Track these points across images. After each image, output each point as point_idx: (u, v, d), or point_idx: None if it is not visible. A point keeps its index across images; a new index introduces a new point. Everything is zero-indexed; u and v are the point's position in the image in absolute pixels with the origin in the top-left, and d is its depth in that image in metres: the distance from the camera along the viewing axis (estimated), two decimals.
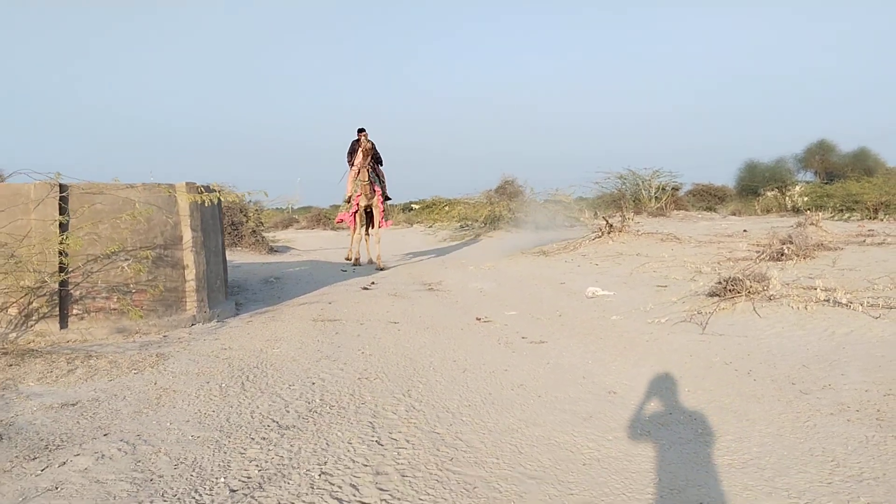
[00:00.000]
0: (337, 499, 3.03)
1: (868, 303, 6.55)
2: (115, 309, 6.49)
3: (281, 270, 12.79)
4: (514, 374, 5.29)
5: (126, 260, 6.52)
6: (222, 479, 3.21)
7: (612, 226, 14.65)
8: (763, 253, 9.97)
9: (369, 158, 13.21)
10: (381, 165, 13.95)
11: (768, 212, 26.78)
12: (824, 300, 6.78)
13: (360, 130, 13.34)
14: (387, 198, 14.23)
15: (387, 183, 14.18)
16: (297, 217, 40.01)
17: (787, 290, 7.24)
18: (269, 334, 6.75)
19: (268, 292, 10.02)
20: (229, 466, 3.38)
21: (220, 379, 5.03)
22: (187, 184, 7.10)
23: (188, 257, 7.08)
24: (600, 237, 14.35)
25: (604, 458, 3.58)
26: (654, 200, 28.62)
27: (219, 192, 7.71)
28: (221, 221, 8.79)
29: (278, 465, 3.41)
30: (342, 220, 15.76)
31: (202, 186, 7.24)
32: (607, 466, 3.47)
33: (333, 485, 3.18)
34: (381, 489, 3.15)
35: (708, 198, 33.48)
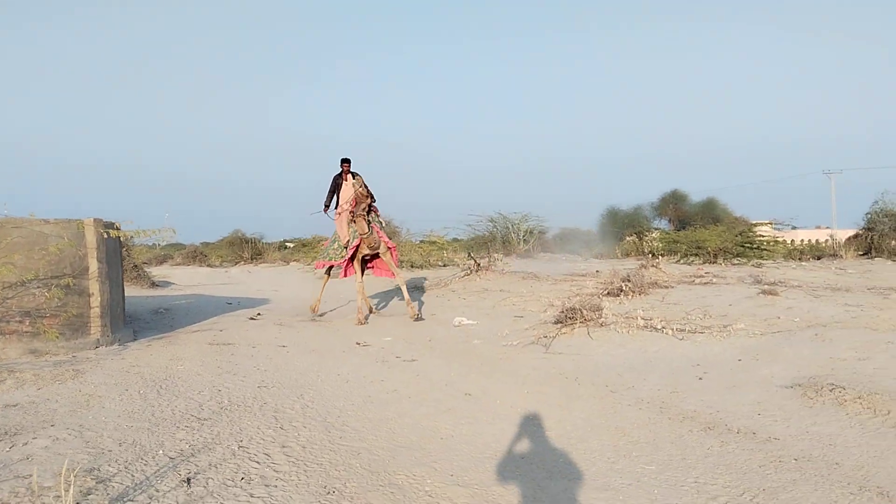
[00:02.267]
0: (255, 461, 4.01)
1: (677, 328, 8.13)
2: (27, 332, 7.13)
3: (168, 303, 13.42)
4: (389, 383, 6.38)
5: (38, 287, 7.20)
6: (161, 451, 4.12)
7: (479, 265, 16.08)
8: (605, 289, 11.56)
9: (365, 204, 11.14)
10: (374, 202, 11.80)
11: (628, 255, 29.01)
12: (644, 326, 8.31)
13: (344, 161, 11.63)
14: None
15: (384, 220, 12.34)
16: (171, 254, 39.70)
17: (616, 318, 8.75)
18: (171, 355, 7.54)
19: (160, 321, 10.71)
20: (164, 444, 4.28)
21: (138, 387, 5.85)
22: (94, 220, 7.83)
23: (94, 286, 7.78)
24: (469, 275, 15.73)
25: (458, 435, 4.72)
26: (522, 243, 30.44)
27: (119, 227, 8.44)
28: (121, 255, 9.47)
29: (204, 442, 4.35)
30: (325, 266, 12.69)
31: (107, 222, 8.01)
32: (460, 440, 4.61)
33: (250, 453, 4.16)
34: (288, 455, 4.15)
35: (573, 241, 35.84)
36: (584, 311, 8.72)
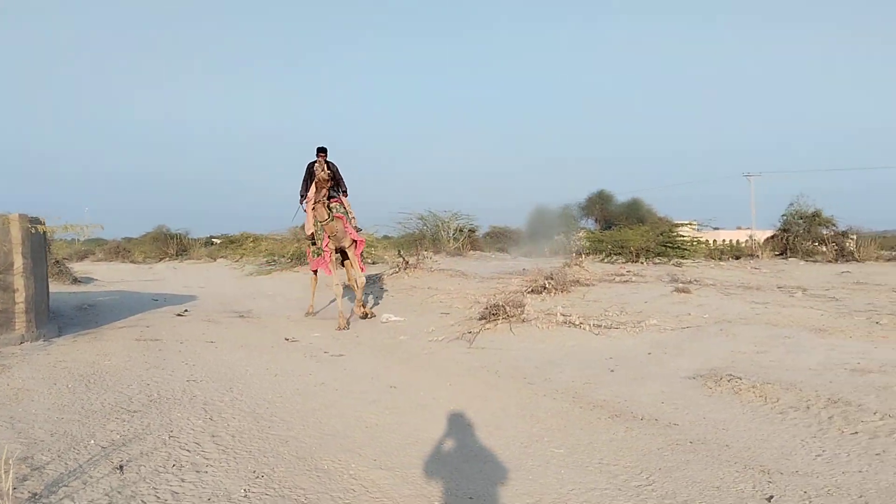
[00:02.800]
0: (186, 449, 4.19)
1: (594, 324, 8.56)
2: None
3: (92, 299, 13.26)
4: (317, 377, 6.59)
5: None
6: (92, 441, 4.26)
7: (408, 263, 16.36)
8: (529, 287, 11.97)
9: (325, 191, 10.33)
10: (346, 195, 11.07)
11: (556, 254, 29.61)
12: (563, 322, 8.73)
13: (320, 150, 10.19)
14: (357, 229, 11.30)
15: (354, 213, 11.24)
16: (92, 249, 38.77)
17: (538, 315, 9.16)
18: (98, 350, 7.57)
19: (84, 317, 10.64)
20: (95, 435, 4.41)
21: (66, 382, 5.91)
22: (20, 215, 7.78)
23: (19, 282, 7.73)
24: (398, 273, 15.99)
25: (381, 424, 4.98)
26: (452, 241, 30.75)
27: (44, 222, 8.39)
28: (45, 251, 9.39)
29: (135, 432, 4.49)
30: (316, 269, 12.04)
31: (32, 217, 7.97)
32: (383, 428, 4.87)
33: (181, 442, 4.33)
34: (217, 444, 4.34)
35: (503, 239, 36.39)
36: (507, 308, 9.10)
